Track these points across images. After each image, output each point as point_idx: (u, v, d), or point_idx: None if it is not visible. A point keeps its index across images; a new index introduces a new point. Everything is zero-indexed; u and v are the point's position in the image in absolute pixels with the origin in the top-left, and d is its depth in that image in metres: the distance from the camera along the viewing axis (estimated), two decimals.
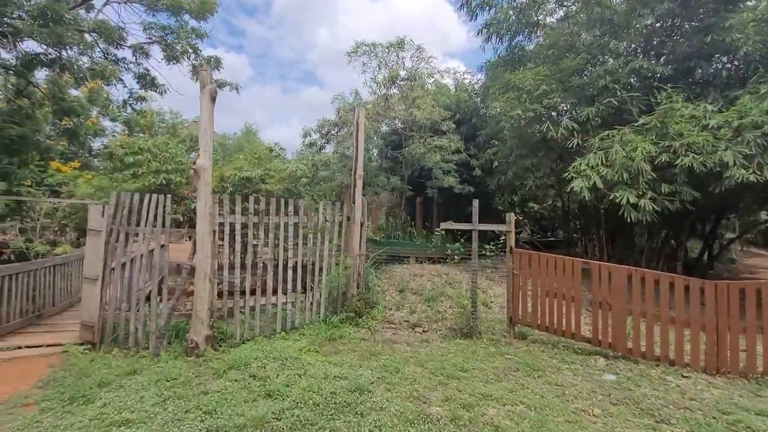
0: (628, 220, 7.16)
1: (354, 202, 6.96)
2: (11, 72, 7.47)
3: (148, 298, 5.68)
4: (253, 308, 5.88)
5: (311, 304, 6.56)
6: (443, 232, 11.48)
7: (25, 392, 4.08)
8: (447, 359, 5.04)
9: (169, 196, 5.66)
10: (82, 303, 5.80)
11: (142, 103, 8.66)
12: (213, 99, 5.36)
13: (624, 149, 7.27)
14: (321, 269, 6.64)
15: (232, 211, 5.68)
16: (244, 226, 5.85)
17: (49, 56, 7.01)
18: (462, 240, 9.88)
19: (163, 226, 5.61)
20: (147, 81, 8.42)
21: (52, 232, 13.49)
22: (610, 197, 7.26)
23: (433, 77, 11.46)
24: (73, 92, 8.07)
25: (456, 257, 9.50)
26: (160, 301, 5.53)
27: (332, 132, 11.67)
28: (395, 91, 11.07)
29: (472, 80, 13.18)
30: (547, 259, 5.60)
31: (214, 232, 5.37)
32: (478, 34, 11.28)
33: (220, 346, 5.36)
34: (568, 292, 5.40)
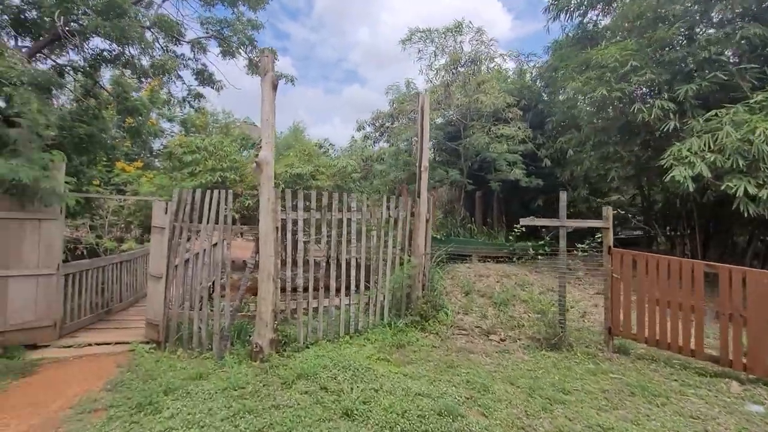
0: (745, 215, 6.04)
1: (419, 197, 6.40)
2: (79, 72, 7.55)
3: (211, 296, 5.48)
4: (315, 310, 5.50)
5: (374, 306, 6.09)
6: (515, 229, 10.66)
7: (94, 395, 3.93)
8: (540, 376, 4.36)
9: (230, 191, 5.40)
10: (147, 301, 5.71)
11: (199, 101, 8.57)
12: (275, 87, 5.00)
13: (737, 131, 6.14)
14: (384, 269, 6.15)
15: (294, 208, 5.31)
16: (306, 222, 5.48)
17: (113, 53, 7.04)
18: (530, 238, 9.05)
19: (225, 222, 5.36)
20: (205, 77, 8.35)
21: (118, 229, 14.15)
22: (722, 187, 6.16)
23: (494, 61, 10.62)
24: (134, 95, 8.08)
25: (524, 256, 8.69)
26: (223, 299, 5.28)
27: (386, 124, 11.18)
28: (453, 77, 10.31)
29: (536, 63, 12.11)
30: (657, 261, 4.72)
31: (277, 228, 5.03)
32: (545, 11, 10.27)
33: (284, 350, 5.03)
34: (685, 301, 4.51)
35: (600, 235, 5.47)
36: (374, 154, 10.73)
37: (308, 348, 5.26)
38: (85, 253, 12.93)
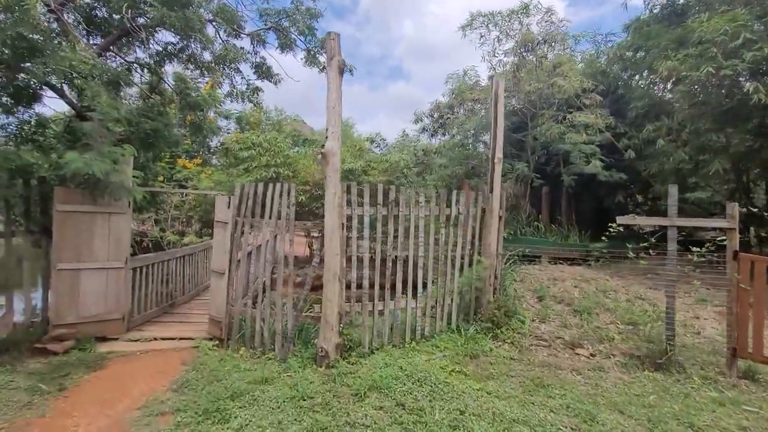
0: None
1: (491, 191, 5.80)
2: (145, 68, 7.66)
3: (265, 292, 5.25)
4: (381, 312, 5.10)
5: (441, 310, 5.59)
6: (586, 228, 9.71)
7: (160, 395, 3.78)
8: (654, 404, 3.65)
9: (293, 185, 5.13)
10: (210, 296, 5.61)
11: (258, 95, 8.47)
12: (341, 72, 4.63)
13: None
14: (452, 270, 5.63)
15: (360, 202, 4.93)
16: (372, 218, 5.08)
17: (177, 47, 7.05)
18: (604, 238, 8.10)
19: (288, 217, 5.09)
20: (263, 71, 8.23)
21: (180, 223, 14.73)
22: None
23: (566, 43, 9.63)
24: (195, 92, 8.11)
25: (600, 258, 7.80)
26: (285, 297, 5.02)
27: (446, 115, 10.57)
28: (521, 62, 9.45)
29: (612, 45, 10.82)
30: None
31: (343, 225, 4.67)
32: None
33: (350, 355, 4.68)
34: None
35: (721, 238, 4.56)
36: (432, 148, 10.18)
37: (373, 353, 4.87)
38: (150, 245, 13.55)
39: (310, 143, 19.27)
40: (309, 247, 13.80)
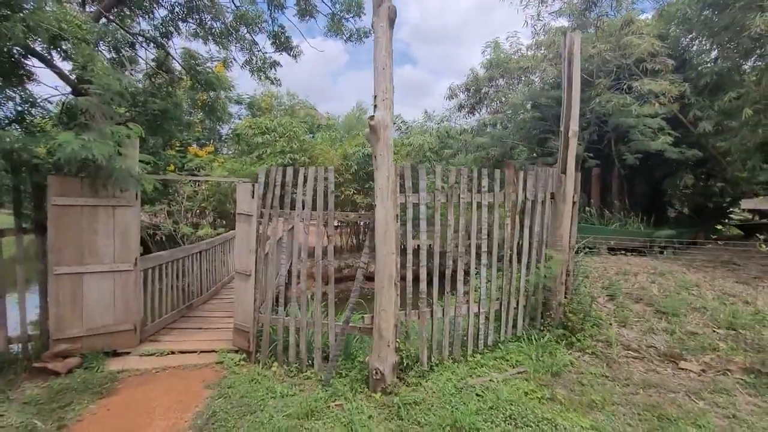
0: None
1: (565, 172, 4.84)
2: (151, 43, 6.75)
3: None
4: (440, 319, 4.24)
5: (506, 314, 4.71)
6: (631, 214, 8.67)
7: None
8: None
9: (331, 168, 4.24)
10: (234, 301, 4.81)
11: (276, 69, 7.54)
12: (392, 22, 3.68)
13: None
14: (518, 267, 4.73)
15: (416, 188, 4.02)
16: (427, 207, 4.18)
17: (184, 8, 6.14)
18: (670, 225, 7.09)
19: (326, 208, 4.22)
20: (281, 41, 7.27)
21: (193, 215, 14.01)
22: None
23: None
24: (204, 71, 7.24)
25: (667, 248, 6.80)
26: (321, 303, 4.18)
27: (484, 89, 9.48)
28: (574, 24, 8.22)
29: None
30: None
31: (396, 216, 3.77)
32: None
33: (407, 374, 3.84)
34: None
35: None
36: (458, 129, 9.17)
37: (433, 370, 4.03)
38: (163, 239, 12.86)
39: (326, 128, 18.32)
40: (327, 238, 13.04)
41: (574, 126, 4.79)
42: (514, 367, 4.18)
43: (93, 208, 4.28)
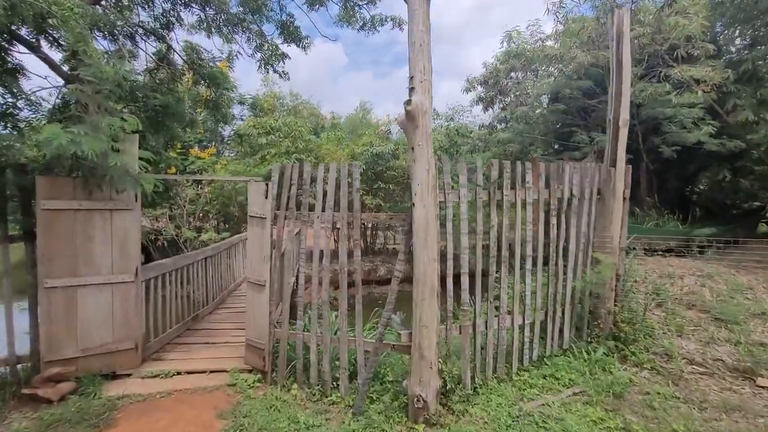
0: None
1: (614, 165, 4.34)
2: (151, 36, 6.26)
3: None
4: (483, 333, 3.73)
5: (552, 324, 4.21)
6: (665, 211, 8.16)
7: None
8: None
9: (356, 164, 3.75)
10: (246, 314, 4.30)
11: (284, 62, 7.06)
12: None
13: None
14: (564, 271, 4.23)
15: (455, 184, 3.52)
16: (470, 205, 3.67)
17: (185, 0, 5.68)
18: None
19: (350, 208, 3.72)
20: (290, 31, 6.79)
21: (196, 219, 13.52)
22: None
23: None
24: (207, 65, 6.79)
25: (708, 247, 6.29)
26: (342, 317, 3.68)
27: (504, 82, 8.97)
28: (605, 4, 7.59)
29: None
30: None
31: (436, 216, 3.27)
32: None
33: (449, 399, 3.34)
34: None
35: None
36: (484, 122, 8.72)
37: (477, 393, 3.53)
38: (165, 245, 12.37)
39: (332, 128, 17.85)
40: (335, 241, 12.54)
41: (625, 114, 4.29)
42: (568, 387, 3.68)
43: (88, 212, 3.79)
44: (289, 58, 7.09)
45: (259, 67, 7.06)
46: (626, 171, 4.41)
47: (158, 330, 4.75)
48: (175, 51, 6.95)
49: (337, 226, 3.96)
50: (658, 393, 3.55)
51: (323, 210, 3.79)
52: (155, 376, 4.00)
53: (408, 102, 3.03)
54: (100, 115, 3.51)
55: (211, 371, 4.14)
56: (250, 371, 4.12)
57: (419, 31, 3.09)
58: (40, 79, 4.45)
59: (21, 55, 4.14)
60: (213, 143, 19.17)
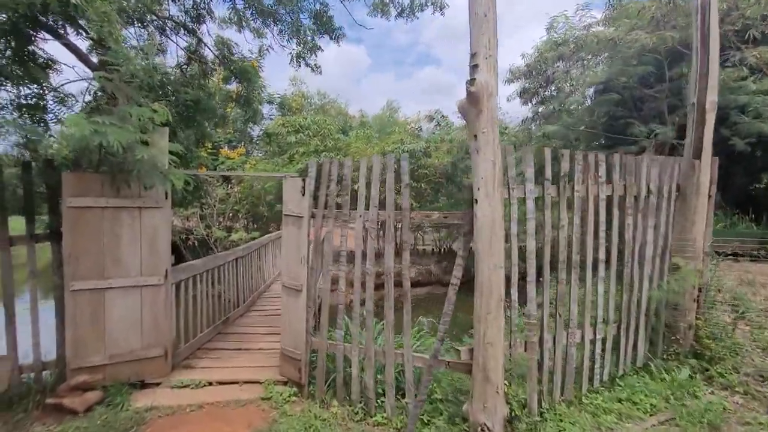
0: None
1: (699, 157, 3.75)
2: (182, 29, 6.06)
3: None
4: (550, 349, 3.24)
5: (625, 339, 3.66)
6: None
7: None
8: None
9: (405, 155, 3.34)
10: (281, 321, 3.97)
11: (317, 55, 6.74)
12: None
13: None
14: (640, 278, 3.67)
15: (522, 178, 3.05)
16: (538, 203, 3.20)
17: None
18: None
19: (398, 207, 3.32)
20: (323, 21, 6.45)
21: (226, 218, 13.49)
22: None
23: None
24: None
25: None
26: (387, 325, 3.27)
27: (549, 73, 8.35)
28: None
29: None
30: None
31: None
32: None
33: (515, 427, 2.87)
34: None
35: None
36: (521, 116, 8.16)
37: (544, 418, 3.05)
38: (195, 244, 12.38)
39: (361, 126, 17.55)
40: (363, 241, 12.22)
41: (712, 96, 3.69)
42: (650, 414, 3.15)
43: (115, 210, 3.54)
44: (322, 50, 6.77)
45: (291, 60, 6.77)
46: (712, 163, 3.80)
47: (189, 335, 4.50)
48: (206, 45, 6.76)
49: (369, 226, 3.55)
50: (761, 424, 2.97)
51: (367, 208, 3.40)
52: (185, 386, 3.72)
53: (471, 82, 2.59)
54: (129, 106, 3.25)
55: (245, 382, 3.83)
56: (285, 383, 3.79)
57: (483, 2, 2.64)
58: (70, 71, 4.28)
59: (50, 47, 3.98)
60: (242, 143, 19.26)
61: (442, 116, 14.21)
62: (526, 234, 2.97)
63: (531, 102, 9.35)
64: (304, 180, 3.69)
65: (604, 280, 3.45)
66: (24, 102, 3.85)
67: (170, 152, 3.54)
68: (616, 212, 3.48)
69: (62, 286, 3.48)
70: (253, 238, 10.50)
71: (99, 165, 3.50)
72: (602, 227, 3.42)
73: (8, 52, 3.72)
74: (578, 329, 3.34)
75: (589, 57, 8.08)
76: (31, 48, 3.79)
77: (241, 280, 6.33)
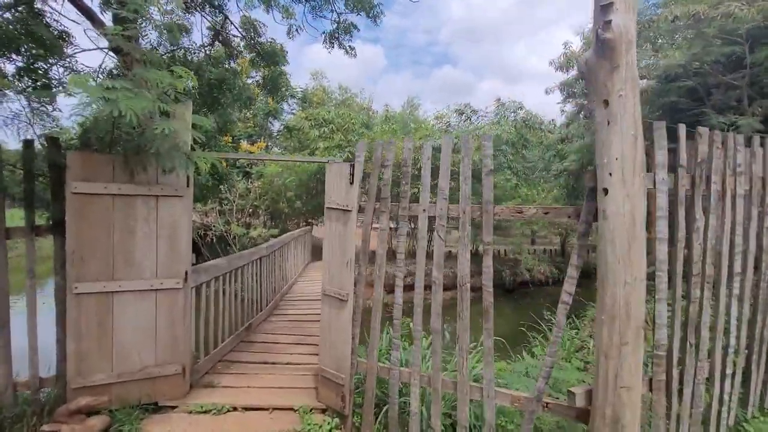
0: None
1: None
2: (207, 5, 5.49)
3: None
4: (679, 392, 2.49)
5: (756, 375, 2.89)
6: None
7: None
8: None
9: (489, 135, 2.65)
10: (321, 337, 3.30)
11: (351, 36, 6.10)
12: None
13: None
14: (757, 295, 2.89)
15: (662, 162, 2.31)
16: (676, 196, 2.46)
17: None
18: None
19: (486, 202, 2.62)
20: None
21: (245, 214, 13.00)
22: None
23: None
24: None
25: None
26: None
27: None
28: None
29: None
30: None
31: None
32: None
33: None
34: None
35: None
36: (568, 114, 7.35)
37: None
38: (213, 240, 11.90)
39: (386, 120, 16.89)
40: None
41: None
42: None
43: (128, 199, 2.94)
44: (358, 29, 6.12)
45: (324, 40, 6.14)
46: None
47: (209, 345, 3.90)
48: (232, 23, 6.20)
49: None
50: None
51: (431, 201, 2.72)
52: (206, 412, 3.09)
53: (605, 25, 1.88)
54: (145, 69, 2.63)
55: (275, 408, 3.18)
56: (323, 410, 3.14)
57: None
58: (84, 39, 3.73)
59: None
60: (262, 138, 18.83)
61: (472, 110, 13.45)
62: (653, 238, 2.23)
63: (567, 101, 8.50)
64: (352, 166, 3.04)
65: (739, 298, 2.69)
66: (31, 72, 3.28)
67: (194, 126, 2.91)
68: (754, 212, 2.71)
69: (64, 288, 2.90)
70: (273, 235, 9.96)
71: (111, 144, 2.90)
72: (737, 231, 2.65)
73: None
74: (707, 361, 2.58)
75: (659, 39, 7.20)
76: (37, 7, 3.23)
77: (264, 280, 5.74)
